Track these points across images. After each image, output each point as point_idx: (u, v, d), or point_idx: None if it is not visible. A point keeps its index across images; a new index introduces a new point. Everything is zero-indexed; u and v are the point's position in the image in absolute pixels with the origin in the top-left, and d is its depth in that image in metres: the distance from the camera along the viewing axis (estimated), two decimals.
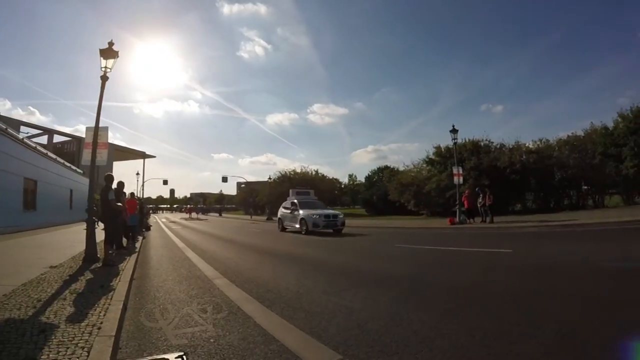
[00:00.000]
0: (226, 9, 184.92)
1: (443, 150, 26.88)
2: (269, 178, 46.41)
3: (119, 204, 7.46)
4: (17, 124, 35.18)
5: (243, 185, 78.95)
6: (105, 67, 7.18)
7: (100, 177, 9.72)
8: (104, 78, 7.22)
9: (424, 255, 8.15)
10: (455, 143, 19.33)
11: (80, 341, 2.64)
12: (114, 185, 7.62)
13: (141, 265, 7.29)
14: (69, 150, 45.55)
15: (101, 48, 7.17)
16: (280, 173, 46.53)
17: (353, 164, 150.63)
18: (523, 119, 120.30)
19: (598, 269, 5.32)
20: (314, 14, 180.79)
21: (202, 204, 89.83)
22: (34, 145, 20.29)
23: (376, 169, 49.18)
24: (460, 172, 18.53)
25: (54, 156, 23.59)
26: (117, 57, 7.32)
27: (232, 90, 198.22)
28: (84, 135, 8.27)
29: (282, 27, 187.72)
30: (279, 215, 18.18)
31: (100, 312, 3.41)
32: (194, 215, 51.65)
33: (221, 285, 5.08)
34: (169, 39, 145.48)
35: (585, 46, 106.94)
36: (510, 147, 24.42)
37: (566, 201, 22.69)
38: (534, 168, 21.36)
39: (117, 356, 2.62)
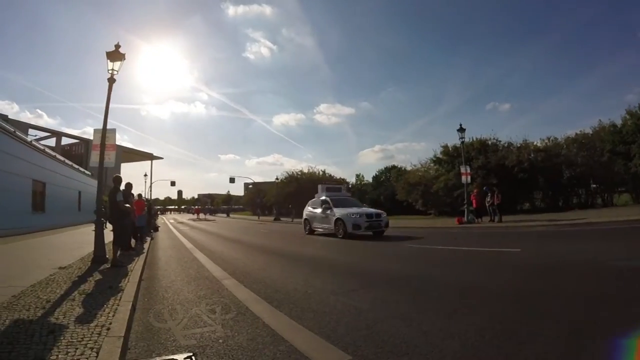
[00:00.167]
0: (231, 10, 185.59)
1: (450, 149, 26.72)
2: (276, 178, 46.67)
3: (127, 205, 7.50)
4: (25, 126, 35.59)
5: (250, 186, 79.22)
6: (112, 70, 7.23)
7: (109, 179, 9.79)
8: (111, 80, 7.26)
9: (432, 255, 8.07)
10: (462, 142, 19.26)
11: (89, 342, 2.64)
12: (122, 187, 7.66)
13: (149, 266, 7.33)
14: (77, 152, 46.02)
15: (108, 51, 7.23)
16: (288, 173, 46.60)
17: (360, 163, 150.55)
18: (529, 117, 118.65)
19: (607, 268, 5.24)
20: (319, 14, 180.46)
21: (209, 204, 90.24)
22: (42, 147, 20.56)
23: (383, 168, 48.96)
24: (468, 171, 18.42)
25: (62, 158, 23.87)
26: (124, 59, 7.37)
27: (238, 91, 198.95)
28: (91, 137, 8.34)
29: (287, 27, 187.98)
30: (304, 216, 16.00)
31: (109, 313, 3.42)
32: (201, 216, 52.00)
33: (229, 286, 5.07)
34: (175, 41, 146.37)
35: (590, 44, 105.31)
36: (518, 145, 24.20)
37: (575, 200, 22.45)
38: (542, 166, 21.17)
39: (126, 357, 2.62)
